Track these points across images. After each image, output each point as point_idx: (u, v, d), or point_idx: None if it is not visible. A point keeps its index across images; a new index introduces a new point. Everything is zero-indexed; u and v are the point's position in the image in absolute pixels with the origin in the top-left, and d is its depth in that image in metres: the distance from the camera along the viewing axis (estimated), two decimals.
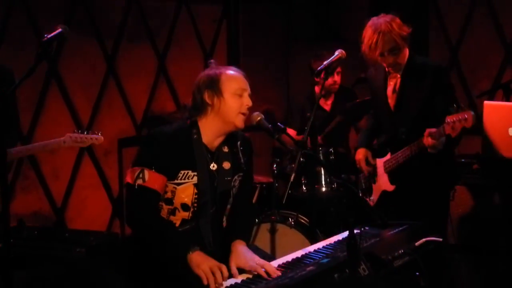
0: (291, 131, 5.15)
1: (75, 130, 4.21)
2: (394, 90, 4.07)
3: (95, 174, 5.62)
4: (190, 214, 3.07)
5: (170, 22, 6.12)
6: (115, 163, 5.71)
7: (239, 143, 3.24)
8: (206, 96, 3.07)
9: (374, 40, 3.87)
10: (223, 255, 2.97)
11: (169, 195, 3.04)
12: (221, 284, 2.71)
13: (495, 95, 5.55)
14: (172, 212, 3.07)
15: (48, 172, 5.30)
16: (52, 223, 5.32)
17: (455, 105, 3.62)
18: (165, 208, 3.06)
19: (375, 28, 3.88)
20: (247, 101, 3.09)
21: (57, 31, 2.83)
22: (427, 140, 3.73)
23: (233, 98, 3.06)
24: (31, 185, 5.22)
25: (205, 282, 2.74)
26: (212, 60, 3.24)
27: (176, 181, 3.03)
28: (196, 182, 3.05)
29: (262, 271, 2.77)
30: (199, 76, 3.14)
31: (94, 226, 5.41)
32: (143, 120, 5.94)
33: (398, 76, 4.04)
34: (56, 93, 5.34)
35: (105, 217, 5.69)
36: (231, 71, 3.12)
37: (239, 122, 3.09)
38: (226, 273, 2.76)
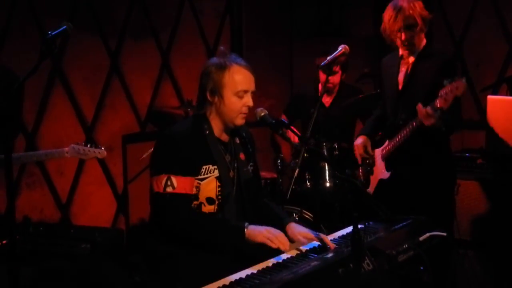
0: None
1: (79, 142, 4.25)
2: (405, 75, 4.06)
3: (99, 171, 5.63)
4: (216, 207, 3.11)
5: (174, 18, 6.12)
6: (119, 160, 5.72)
7: (244, 134, 3.31)
8: (208, 95, 3.09)
9: (394, 15, 3.92)
10: None
11: (194, 190, 3.06)
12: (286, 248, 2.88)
13: (499, 89, 5.54)
14: (198, 207, 3.10)
15: (53, 168, 5.32)
16: (57, 220, 5.33)
17: (448, 79, 3.61)
18: (192, 204, 3.09)
19: (396, 5, 3.94)
20: (248, 102, 3.09)
21: (60, 28, 2.84)
22: (421, 111, 3.70)
23: (234, 98, 3.07)
24: (36, 182, 5.24)
25: (274, 246, 2.88)
26: (222, 47, 3.22)
27: (199, 177, 3.07)
28: (217, 175, 3.10)
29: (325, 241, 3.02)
30: (205, 67, 3.13)
31: (99, 222, 5.42)
32: (147, 117, 5.94)
33: (410, 62, 4.03)
34: (60, 90, 5.35)
35: (109, 213, 5.70)
36: (236, 68, 3.09)
37: (239, 121, 3.13)
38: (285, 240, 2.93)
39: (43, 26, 5.10)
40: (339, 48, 4.17)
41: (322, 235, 3.11)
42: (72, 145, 4.19)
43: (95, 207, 5.58)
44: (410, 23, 3.91)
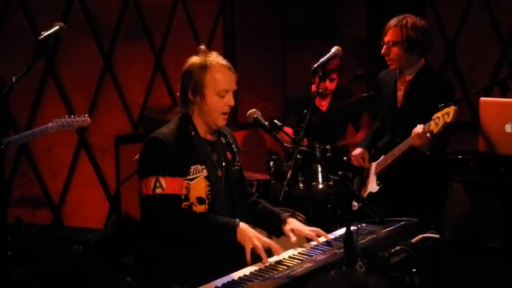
0: (287, 129, 5.14)
1: (61, 116, 4.26)
2: (404, 93, 4.08)
3: (92, 172, 5.62)
4: (207, 206, 3.11)
5: (167, 19, 6.11)
6: (112, 161, 5.71)
7: (228, 134, 3.34)
8: (190, 94, 3.10)
9: (387, 27, 3.98)
10: None
11: (184, 191, 3.07)
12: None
13: (492, 91, 5.56)
14: (189, 207, 3.10)
15: (45, 169, 5.30)
16: (49, 221, 5.31)
17: (443, 104, 3.63)
18: (183, 205, 3.09)
19: (397, 18, 3.98)
20: (230, 101, 3.12)
21: (53, 29, 2.84)
22: (414, 135, 3.74)
23: (215, 98, 3.09)
24: (28, 183, 5.22)
25: (263, 256, 2.86)
26: (202, 47, 3.21)
27: (189, 177, 3.07)
28: (206, 174, 3.10)
29: (316, 238, 3.09)
30: (186, 66, 3.14)
31: (91, 223, 5.41)
32: (140, 118, 5.93)
33: (407, 80, 4.05)
34: (53, 90, 5.33)
35: (102, 215, 5.69)
36: (217, 68, 3.10)
37: (221, 122, 3.15)
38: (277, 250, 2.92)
39: (36, 26, 5.08)
40: (332, 50, 4.18)
41: (315, 230, 3.16)
42: (55, 119, 4.20)
43: (88, 208, 5.56)
44: (392, 39, 3.94)
